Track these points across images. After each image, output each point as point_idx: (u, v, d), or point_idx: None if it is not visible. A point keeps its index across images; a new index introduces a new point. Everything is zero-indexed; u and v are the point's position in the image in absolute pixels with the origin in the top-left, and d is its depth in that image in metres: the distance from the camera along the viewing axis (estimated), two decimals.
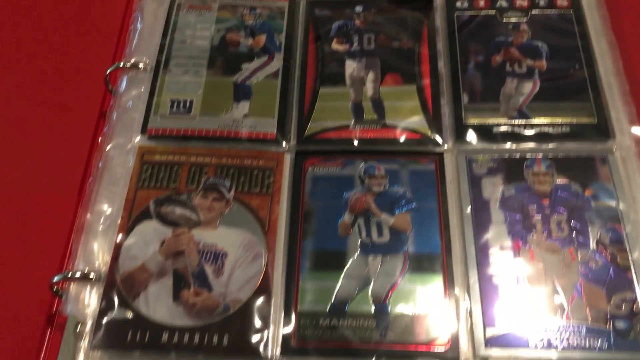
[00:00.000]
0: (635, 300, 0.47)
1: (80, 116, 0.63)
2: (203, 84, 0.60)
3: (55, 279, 0.50)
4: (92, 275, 0.50)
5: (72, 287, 0.50)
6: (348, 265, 0.50)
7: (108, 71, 0.62)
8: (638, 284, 0.47)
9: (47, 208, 0.57)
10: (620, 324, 0.46)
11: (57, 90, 0.65)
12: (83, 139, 0.61)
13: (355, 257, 0.50)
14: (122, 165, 0.56)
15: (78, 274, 0.50)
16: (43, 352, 0.51)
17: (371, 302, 0.48)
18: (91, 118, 0.63)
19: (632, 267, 0.48)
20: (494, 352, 0.46)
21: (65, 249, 0.55)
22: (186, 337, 0.47)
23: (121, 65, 0.62)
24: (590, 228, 0.50)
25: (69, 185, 0.59)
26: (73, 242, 0.53)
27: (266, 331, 0.47)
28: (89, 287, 0.50)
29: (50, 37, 0.68)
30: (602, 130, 0.55)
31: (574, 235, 0.50)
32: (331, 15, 0.64)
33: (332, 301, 0.48)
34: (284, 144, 0.57)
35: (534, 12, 0.61)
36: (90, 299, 0.50)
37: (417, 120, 0.57)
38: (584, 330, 0.46)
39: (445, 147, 0.56)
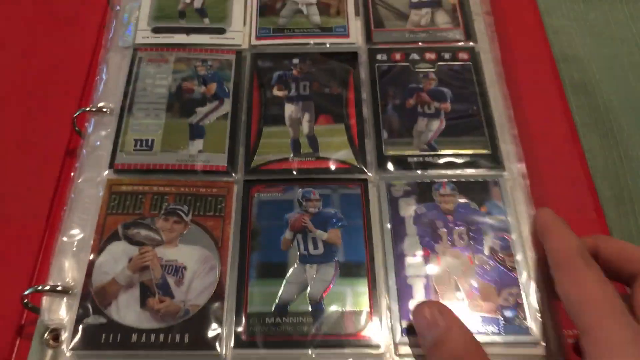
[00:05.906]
0: (518, 293, 0.58)
1: (48, 153, 0.71)
2: (163, 125, 0.70)
3: (27, 292, 0.58)
4: (62, 289, 0.58)
5: (46, 299, 0.58)
6: (289, 273, 0.60)
7: (75, 114, 0.70)
8: (520, 281, 0.59)
9: (16, 234, 0.65)
10: (508, 313, 0.57)
11: (27, 130, 0.73)
12: (51, 173, 0.69)
13: (295, 267, 0.60)
14: (93, 195, 0.65)
15: (48, 287, 0.58)
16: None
17: (309, 302, 0.58)
18: (58, 155, 0.71)
19: (516, 268, 0.59)
20: (409, 339, 0.56)
21: (34, 270, 0.63)
22: (152, 337, 0.55)
23: (87, 109, 0.71)
24: (484, 238, 0.61)
25: (38, 214, 0.66)
26: (48, 261, 0.61)
27: (221, 329, 0.56)
28: (65, 299, 0.58)
29: (21, 86, 0.77)
30: (495, 159, 0.67)
31: (472, 243, 0.61)
32: (272, 66, 0.75)
33: (276, 303, 0.58)
34: (233, 175, 0.67)
35: (440, 63, 0.74)
36: (66, 310, 0.57)
37: (345, 153, 0.68)
38: (479, 318, 0.57)
39: (369, 174, 0.67)
